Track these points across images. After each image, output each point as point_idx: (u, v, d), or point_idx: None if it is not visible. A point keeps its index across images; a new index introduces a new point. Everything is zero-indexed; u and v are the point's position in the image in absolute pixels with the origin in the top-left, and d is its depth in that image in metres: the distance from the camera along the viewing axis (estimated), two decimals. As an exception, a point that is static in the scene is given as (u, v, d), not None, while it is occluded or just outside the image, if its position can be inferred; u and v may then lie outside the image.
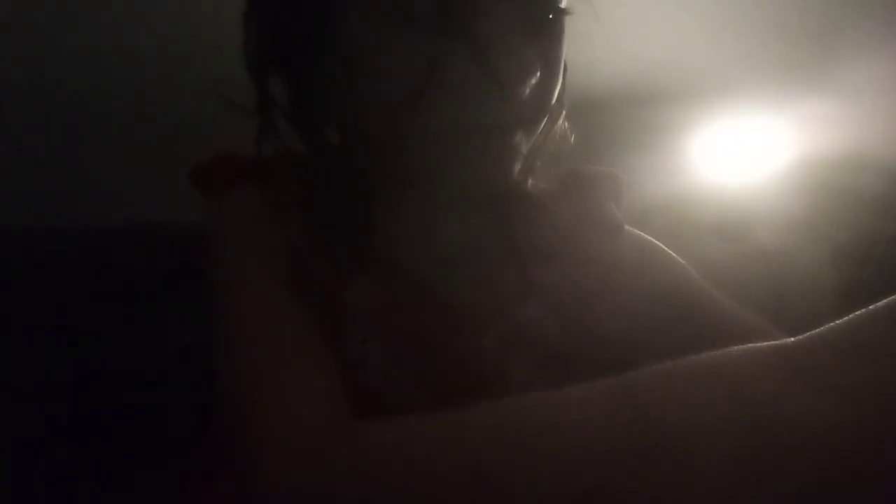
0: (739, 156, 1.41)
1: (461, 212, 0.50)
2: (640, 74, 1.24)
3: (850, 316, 0.27)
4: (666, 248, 0.54)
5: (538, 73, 0.39)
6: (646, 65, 1.22)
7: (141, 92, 1.04)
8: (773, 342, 0.27)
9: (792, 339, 0.27)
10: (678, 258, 0.53)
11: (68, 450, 0.84)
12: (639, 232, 0.54)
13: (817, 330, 0.27)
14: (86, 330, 0.90)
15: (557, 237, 0.51)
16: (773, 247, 1.44)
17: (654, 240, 0.54)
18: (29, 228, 0.98)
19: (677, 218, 1.25)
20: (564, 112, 0.51)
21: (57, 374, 0.88)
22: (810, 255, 1.44)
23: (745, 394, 0.26)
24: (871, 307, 0.27)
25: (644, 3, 1.05)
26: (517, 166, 0.43)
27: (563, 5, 0.42)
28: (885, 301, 0.26)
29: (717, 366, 0.28)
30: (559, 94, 0.46)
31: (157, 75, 1.01)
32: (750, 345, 0.28)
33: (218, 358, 0.43)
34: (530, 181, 0.53)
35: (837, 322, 0.27)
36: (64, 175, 1.07)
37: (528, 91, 0.39)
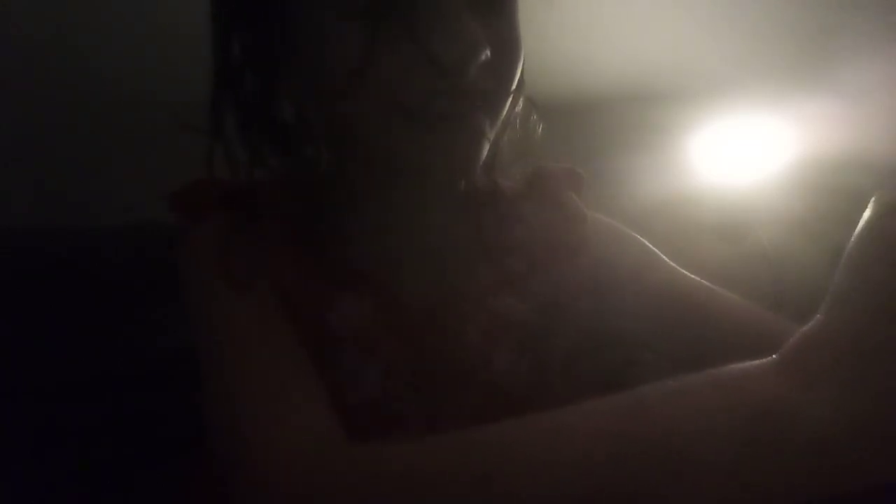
0: (739, 156, 1.41)
1: (434, 213, 0.50)
2: (640, 74, 1.24)
3: (825, 317, 0.27)
4: (627, 230, 0.55)
5: (486, 54, 0.38)
6: (646, 65, 1.22)
7: (141, 92, 1.04)
8: (768, 359, 0.28)
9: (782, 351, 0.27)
10: (639, 237, 0.55)
11: (68, 450, 0.84)
12: (602, 217, 0.56)
13: (804, 330, 0.27)
14: (85, 330, 0.90)
15: (525, 228, 0.53)
16: (773, 247, 1.43)
17: (617, 223, 0.56)
18: (29, 228, 0.98)
19: (677, 218, 1.25)
20: (525, 102, 0.51)
21: (56, 374, 0.88)
22: (810, 255, 1.44)
23: (745, 402, 0.26)
24: (839, 303, 0.27)
25: (644, 2, 1.05)
26: (482, 154, 0.43)
27: None
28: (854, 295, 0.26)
29: (718, 379, 0.28)
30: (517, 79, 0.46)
31: (157, 75, 1.01)
32: (750, 363, 0.28)
33: (206, 389, 0.43)
34: (498, 179, 0.54)
35: (819, 321, 0.27)
36: (64, 175, 1.07)
37: (473, 72, 0.39)
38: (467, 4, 0.39)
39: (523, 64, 0.45)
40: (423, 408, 0.48)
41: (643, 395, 0.29)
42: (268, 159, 0.46)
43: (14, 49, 0.99)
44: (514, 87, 0.44)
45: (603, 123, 1.18)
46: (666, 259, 0.54)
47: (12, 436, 0.80)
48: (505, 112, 0.45)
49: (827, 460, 0.24)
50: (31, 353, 0.87)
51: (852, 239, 0.27)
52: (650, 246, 0.55)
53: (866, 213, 0.28)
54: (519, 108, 0.51)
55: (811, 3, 1.06)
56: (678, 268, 0.53)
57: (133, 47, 1.00)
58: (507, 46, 0.42)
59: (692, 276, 0.52)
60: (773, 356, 0.28)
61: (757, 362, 0.28)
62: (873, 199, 0.28)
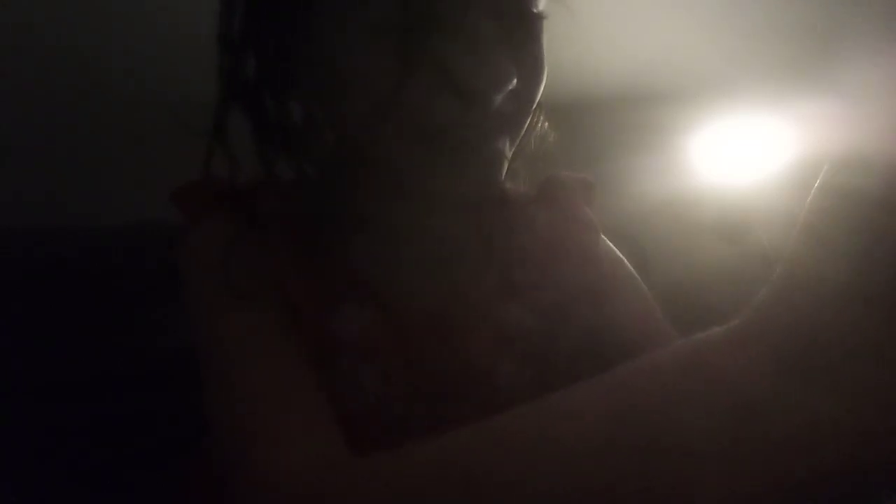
0: (739, 156, 1.41)
1: (439, 219, 0.50)
2: (639, 74, 1.24)
3: (778, 287, 0.26)
4: (627, 263, 0.56)
5: (514, 80, 0.38)
6: (646, 65, 1.22)
7: (141, 91, 1.04)
8: (747, 326, 0.27)
9: (753, 318, 0.27)
10: (636, 275, 0.55)
11: (68, 450, 0.84)
12: (607, 240, 0.56)
13: (759, 302, 0.27)
14: (85, 330, 0.90)
15: (534, 238, 0.53)
16: (773, 247, 1.43)
17: (619, 253, 0.56)
18: (29, 228, 0.98)
19: (677, 218, 1.25)
20: (542, 114, 0.51)
21: (56, 375, 0.88)
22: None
23: (734, 387, 0.26)
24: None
25: (643, 2, 1.05)
26: (502, 174, 0.43)
27: (538, 9, 0.41)
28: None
29: (704, 358, 0.28)
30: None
31: (157, 75, 1.01)
32: (728, 329, 0.28)
33: (207, 392, 0.42)
34: (510, 185, 0.54)
35: (772, 290, 0.26)
36: (64, 175, 1.07)
37: (501, 98, 0.39)
38: (497, 31, 0.39)
39: None
40: (425, 415, 0.47)
41: (623, 383, 0.29)
42: (272, 163, 0.46)
43: (14, 49, 0.99)
44: (533, 108, 0.44)
45: (603, 124, 1.18)
46: (653, 303, 0.54)
47: (12, 436, 0.80)
48: (525, 130, 0.45)
49: (794, 448, 0.24)
50: (31, 353, 0.87)
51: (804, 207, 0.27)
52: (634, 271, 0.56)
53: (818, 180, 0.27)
54: (540, 124, 0.51)
55: (811, 3, 1.06)
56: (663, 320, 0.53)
57: (133, 47, 1.00)
58: (532, 71, 0.41)
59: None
60: (737, 323, 0.27)
61: (726, 336, 0.28)
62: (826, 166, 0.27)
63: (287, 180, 0.49)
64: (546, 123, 0.53)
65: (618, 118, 1.22)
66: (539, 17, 0.42)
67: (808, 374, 0.25)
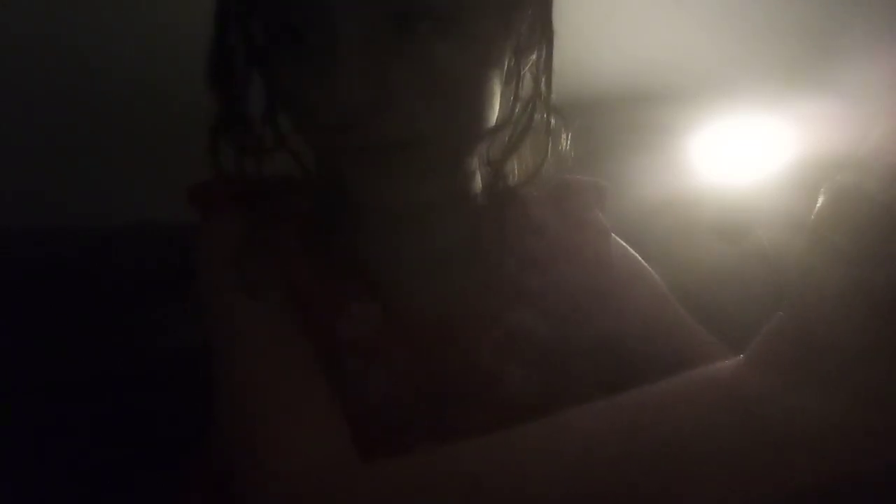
0: (739, 156, 1.41)
1: (444, 221, 0.50)
2: (640, 74, 1.24)
3: (788, 306, 0.27)
4: (643, 262, 0.55)
5: (388, 105, 0.37)
6: (646, 65, 1.22)
7: (141, 91, 1.04)
8: (756, 350, 0.28)
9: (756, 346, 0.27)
10: (653, 272, 0.54)
11: (68, 450, 0.84)
12: (622, 241, 0.56)
13: (770, 325, 0.27)
14: (85, 330, 0.90)
15: (545, 243, 0.52)
16: (773, 247, 1.43)
17: (634, 252, 0.56)
18: (29, 228, 0.98)
19: (677, 218, 1.25)
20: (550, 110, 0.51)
21: (56, 374, 0.88)
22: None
23: (737, 396, 0.26)
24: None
25: (644, 2, 1.05)
26: (435, 182, 0.43)
27: (420, 28, 0.38)
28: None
29: (717, 375, 0.28)
30: (523, 103, 0.46)
31: (157, 75, 1.01)
32: (731, 361, 0.28)
33: (216, 390, 0.42)
34: (521, 189, 0.53)
35: (781, 313, 0.27)
36: (63, 175, 1.07)
37: (382, 120, 0.38)
38: (380, 35, 0.37)
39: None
40: (430, 419, 0.47)
41: (636, 400, 0.30)
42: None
43: (14, 49, 0.99)
44: (449, 122, 0.41)
45: (603, 123, 1.18)
46: (670, 296, 0.54)
47: (12, 436, 0.80)
48: (474, 141, 0.44)
49: (802, 453, 0.25)
50: (31, 353, 0.87)
51: (809, 226, 0.27)
52: (650, 269, 0.55)
53: (820, 199, 0.27)
54: (543, 117, 0.50)
55: (811, 3, 1.06)
56: (682, 310, 0.53)
57: (133, 47, 1.00)
58: (441, 79, 0.38)
59: (696, 324, 0.52)
60: (741, 356, 0.28)
61: (730, 362, 0.28)
62: (824, 187, 0.27)
63: (299, 179, 0.49)
64: (565, 133, 0.52)
65: (618, 118, 1.22)
66: (420, 38, 0.38)
67: (812, 376, 0.25)
